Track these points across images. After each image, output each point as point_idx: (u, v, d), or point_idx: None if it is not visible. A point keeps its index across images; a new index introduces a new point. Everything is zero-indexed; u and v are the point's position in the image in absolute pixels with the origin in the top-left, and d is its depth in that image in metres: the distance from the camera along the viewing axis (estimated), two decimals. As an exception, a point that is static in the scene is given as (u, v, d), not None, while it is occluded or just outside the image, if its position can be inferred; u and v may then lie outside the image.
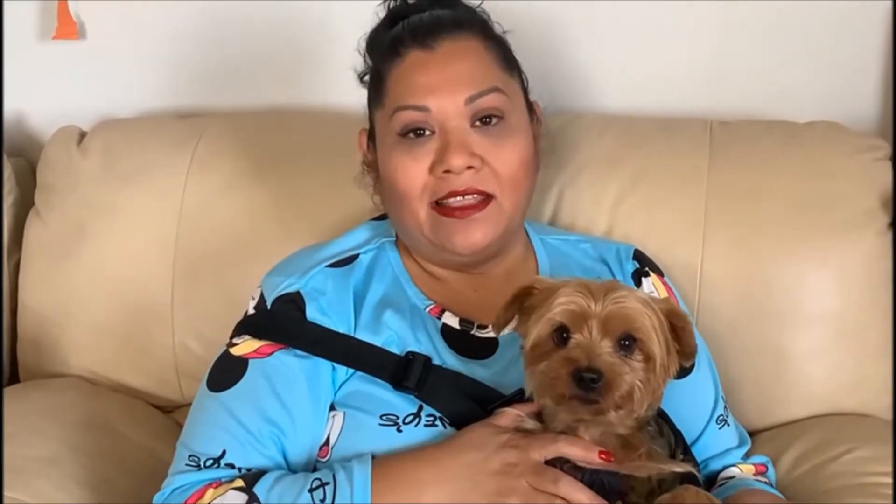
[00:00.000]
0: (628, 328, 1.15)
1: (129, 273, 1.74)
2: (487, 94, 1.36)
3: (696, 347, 1.20)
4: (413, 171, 1.36)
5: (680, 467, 1.20)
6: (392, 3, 1.46)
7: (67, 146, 1.82)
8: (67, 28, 1.91)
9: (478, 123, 1.36)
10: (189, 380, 1.72)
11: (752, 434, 1.54)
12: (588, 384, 1.13)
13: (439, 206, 1.36)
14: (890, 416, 1.64)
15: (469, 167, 1.34)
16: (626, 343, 1.15)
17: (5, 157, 1.84)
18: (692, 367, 1.42)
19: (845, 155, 1.67)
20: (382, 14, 1.46)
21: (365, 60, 1.48)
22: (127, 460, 1.56)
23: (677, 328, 1.19)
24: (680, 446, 1.25)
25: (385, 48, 1.41)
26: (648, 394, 1.16)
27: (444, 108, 1.35)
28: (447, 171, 1.34)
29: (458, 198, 1.35)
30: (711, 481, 1.40)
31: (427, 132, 1.36)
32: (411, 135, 1.36)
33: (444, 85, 1.36)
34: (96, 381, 1.75)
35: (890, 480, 1.42)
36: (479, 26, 1.43)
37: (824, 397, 1.62)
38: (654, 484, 1.19)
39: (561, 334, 1.16)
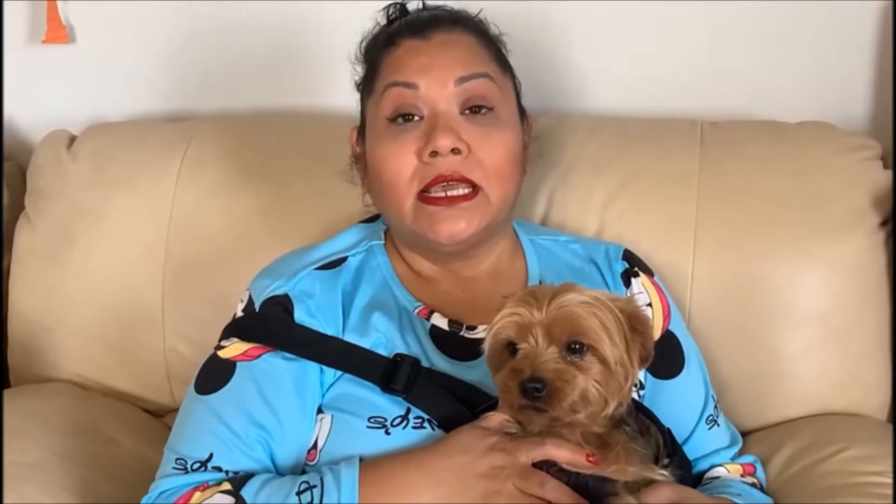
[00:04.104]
0: (573, 332, 1.14)
1: (118, 277, 1.74)
2: (478, 77, 1.37)
3: (652, 352, 1.19)
4: (400, 158, 1.35)
5: (661, 476, 1.19)
6: (391, 8, 1.46)
7: (57, 150, 1.82)
8: (57, 32, 1.91)
9: (467, 112, 1.36)
10: (179, 384, 1.71)
11: (743, 434, 1.54)
12: (532, 394, 1.12)
13: (426, 196, 1.35)
14: (882, 416, 1.64)
15: (455, 151, 1.33)
16: (577, 346, 1.14)
17: (-3, 162, 1.85)
18: (681, 367, 1.43)
19: (836, 154, 1.67)
20: (382, 21, 1.47)
21: (362, 64, 1.48)
22: (116, 465, 1.56)
23: (637, 330, 1.17)
24: (668, 445, 1.24)
25: (381, 42, 1.42)
26: (611, 393, 1.16)
27: (434, 89, 1.35)
28: (433, 154, 1.33)
29: (444, 190, 1.34)
30: (698, 481, 1.40)
31: (416, 117, 1.36)
32: (400, 119, 1.36)
33: (434, 66, 1.36)
34: (86, 386, 1.75)
35: (882, 479, 1.42)
36: (476, 25, 1.44)
37: (815, 397, 1.62)
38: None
39: (512, 345, 1.16)
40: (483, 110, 1.37)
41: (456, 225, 1.34)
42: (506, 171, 1.38)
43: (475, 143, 1.35)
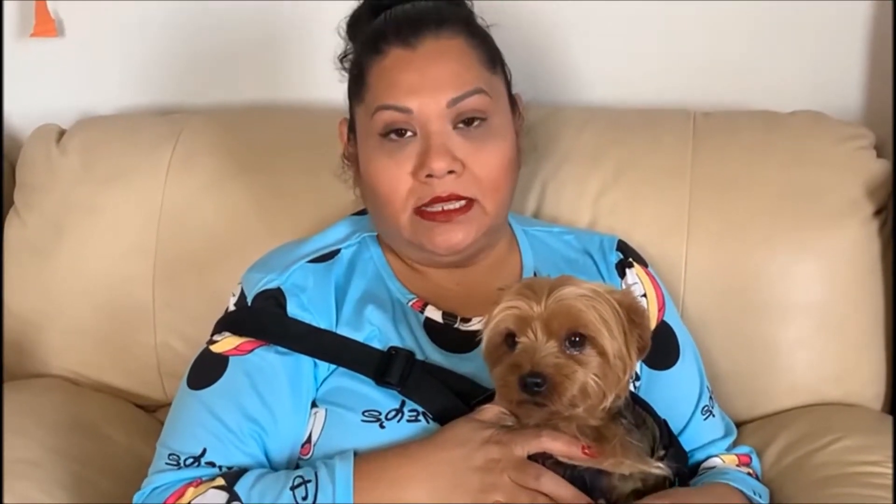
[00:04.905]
0: (572, 326, 1.13)
1: (109, 272, 1.73)
2: (470, 95, 1.35)
3: (649, 343, 1.18)
4: (395, 175, 1.34)
5: (657, 469, 1.19)
6: None
7: (46, 145, 1.81)
8: (46, 25, 1.90)
9: (460, 125, 1.35)
10: (171, 379, 1.70)
11: (738, 425, 1.54)
12: (532, 389, 1.12)
13: (422, 211, 1.35)
14: (877, 406, 1.63)
15: (450, 171, 1.33)
16: (576, 340, 1.14)
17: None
18: (676, 358, 1.43)
19: (829, 144, 1.67)
20: None
21: (346, 44, 1.47)
22: (110, 461, 1.55)
23: (635, 322, 1.17)
24: (664, 437, 1.24)
25: (366, 41, 1.40)
26: (610, 386, 1.15)
27: (427, 109, 1.34)
28: (429, 176, 1.33)
29: (440, 205, 1.34)
30: (694, 471, 1.40)
31: (408, 133, 1.34)
32: (393, 135, 1.35)
33: (426, 86, 1.34)
34: (78, 382, 1.74)
35: (877, 469, 1.41)
36: (463, 22, 1.41)
37: (810, 388, 1.62)
38: (638, 483, 1.18)
39: (511, 338, 1.15)
40: (476, 122, 1.36)
41: (454, 237, 1.35)
42: (501, 181, 1.37)
43: (469, 158, 1.34)
